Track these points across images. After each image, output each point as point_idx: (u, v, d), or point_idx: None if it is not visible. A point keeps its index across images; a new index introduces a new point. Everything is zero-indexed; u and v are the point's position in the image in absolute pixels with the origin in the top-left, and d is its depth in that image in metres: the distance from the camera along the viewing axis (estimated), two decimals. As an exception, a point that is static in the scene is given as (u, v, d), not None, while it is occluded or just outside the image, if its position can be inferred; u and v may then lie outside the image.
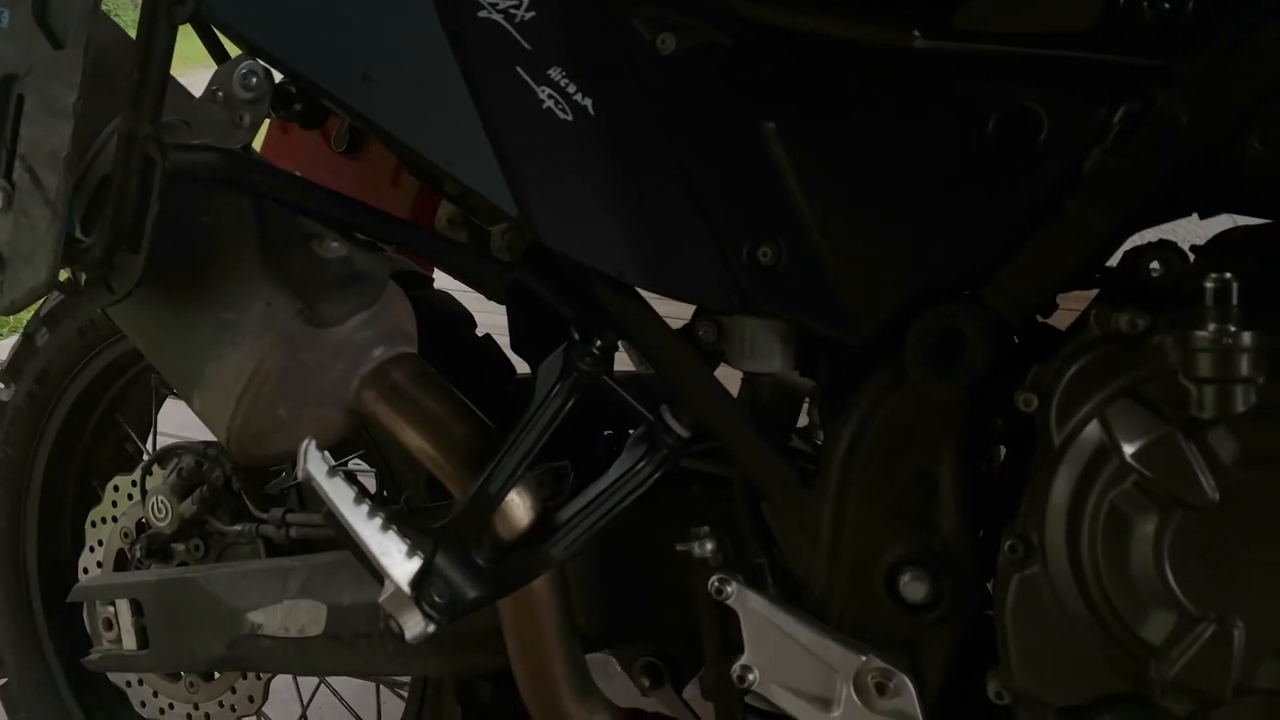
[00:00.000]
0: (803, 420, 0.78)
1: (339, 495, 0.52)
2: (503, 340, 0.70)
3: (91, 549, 0.94)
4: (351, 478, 0.53)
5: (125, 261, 0.56)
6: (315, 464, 0.52)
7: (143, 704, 0.92)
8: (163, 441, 0.94)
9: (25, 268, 0.58)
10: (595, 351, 0.58)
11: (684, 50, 0.60)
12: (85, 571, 0.94)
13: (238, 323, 0.57)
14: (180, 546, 0.84)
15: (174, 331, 0.60)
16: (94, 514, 0.93)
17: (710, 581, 0.58)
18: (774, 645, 0.56)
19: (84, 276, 0.59)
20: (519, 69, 0.60)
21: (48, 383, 0.97)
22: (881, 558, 0.55)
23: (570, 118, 0.60)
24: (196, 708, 0.90)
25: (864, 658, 0.54)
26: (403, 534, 0.54)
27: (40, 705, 1.03)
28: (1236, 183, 0.50)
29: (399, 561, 0.53)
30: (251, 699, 0.87)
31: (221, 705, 0.89)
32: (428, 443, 0.58)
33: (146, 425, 1.05)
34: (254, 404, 0.58)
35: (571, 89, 0.60)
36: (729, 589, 0.57)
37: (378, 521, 0.53)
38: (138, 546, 0.86)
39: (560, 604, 0.60)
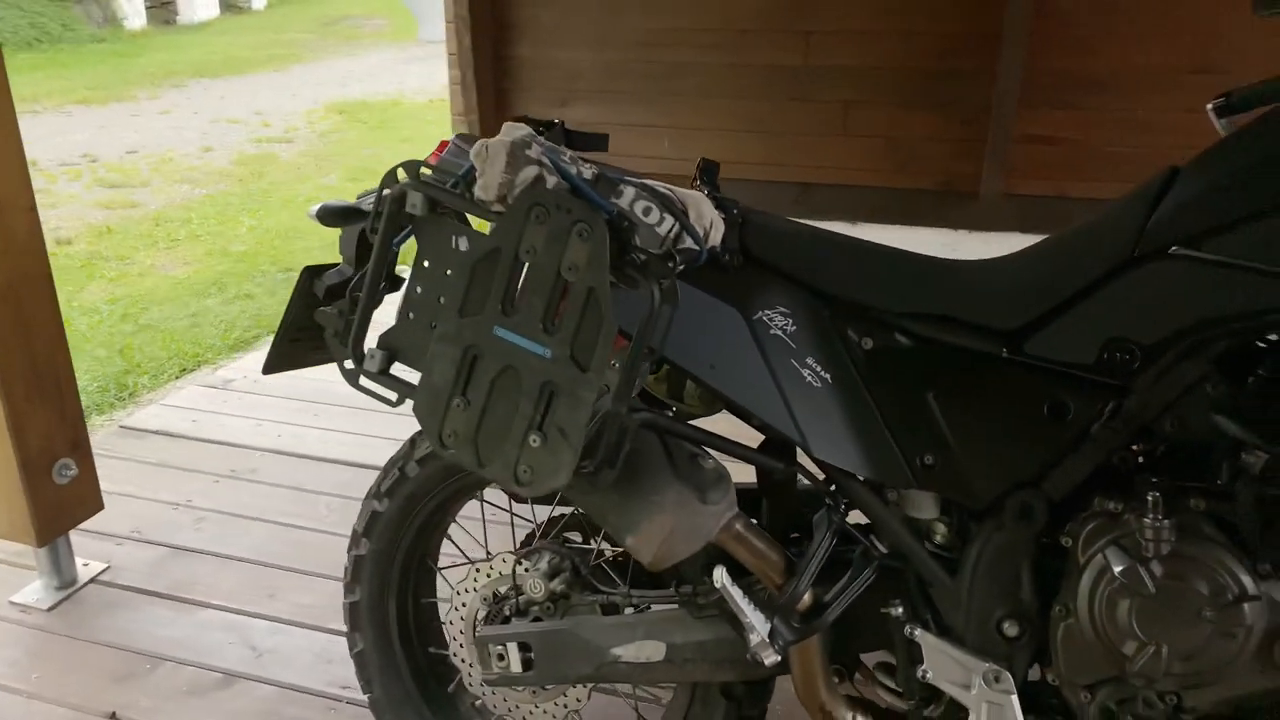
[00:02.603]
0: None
1: (737, 594, 1.07)
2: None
3: (456, 609, 1.46)
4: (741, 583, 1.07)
5: (605, 473, 1.09)
6: (725, 579, 1.07)
7: (494, 707, 1.45)
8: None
9: (549, 476, 1.10)
10: (843, 509, 1.13)
11: (878, 347, 1.15)
12: (450, 623, 1.47)
13: (660, 502, 1.11)
14: (537, 607, 1.37)
15: (618, 504, 1.13)
16: (460, 585, 1.46)
17: (904, 628, 1.13)
18: (939, 658, 1.12)
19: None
20: (791, 360, 1.15)
21: (414, 500, 1.49)
22: (992, 615, 1.11)
23: (820, 386, 1.15)
24: (536, 706, 1.43)
25: (987, 664, 1.09)
26: (762, 611, 1.08)
27: (402, 714, 1.55)
28: (1167, 441, 1.06)
29: (762, 625, 1.08)
30: (579, 699, 1.40)
31: (555, 704, 1.42)
32: (759, 564, 1.13)
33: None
34: (669, 545, 1.11)
35: (819, 369, 1.15)
36: (916, 632, 1.12)
37: (752, 606, 1.08)
38: (507, 606, 1.38)
39: (824, 643, 1.15)
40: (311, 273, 1.45)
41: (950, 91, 3.80)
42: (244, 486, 2.62)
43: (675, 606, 1.26)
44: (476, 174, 1.10)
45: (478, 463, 1.11)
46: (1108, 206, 1.16)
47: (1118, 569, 1.01)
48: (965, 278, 1.17)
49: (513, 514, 1.54)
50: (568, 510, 1.44)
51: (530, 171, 1.07)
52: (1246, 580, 0.98)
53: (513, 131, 1.13)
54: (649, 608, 1.33)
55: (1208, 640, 0.99)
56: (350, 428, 2.97)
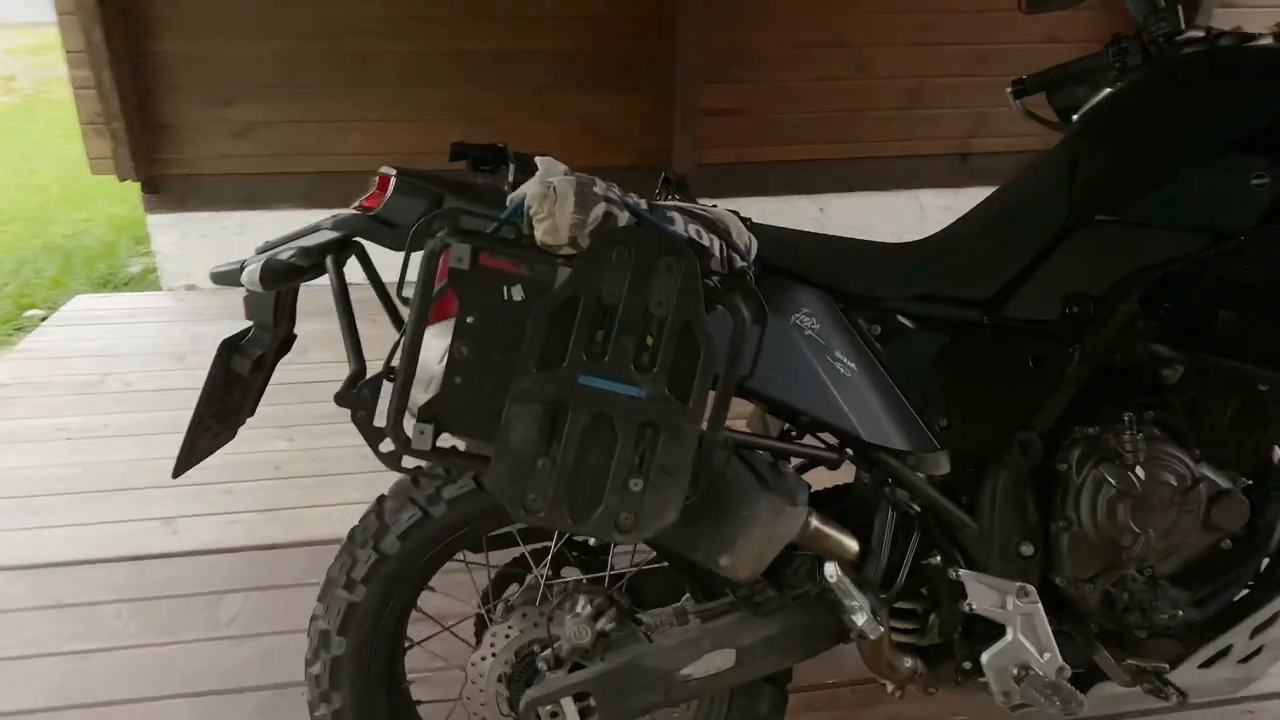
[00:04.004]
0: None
1: (846, 584, 1.14)
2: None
3: (473, 681, 1.34)
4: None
5: (708, 500, 1.09)
6: (838, 572, 1.13)
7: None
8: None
9: (655, 517, 1.07)
10: (894, 488, 1.25)
11: (885, 332, 1.28)
12: (468, 698, 1.34)
13: (754, 516, 1.14)
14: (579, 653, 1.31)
15: (710, 528, 1.13)
16: (474, 657, 1.34)
17: (948, 571, 1.29)
18: (978, 589, 1.29)
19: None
20: (826, 356, 1.23)
21: (396, 579, 1.33)
22: (1010, 541, 1.30)
23: (850, 376, 1.25)
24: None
25: (1017, 584, 1.29)
26: (861, 592, 1.17)
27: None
28: (1113, 371, 1.31)
29: (864, 606, 1.16)
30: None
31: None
32: (836, 549, 1.21)
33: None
34: (765, 555, 1.15)
35: (846, 360, 1.25)
36: (957, 573, 1.28)
37: (858, 590, 1.16)
38: (542, 661, 1.30)
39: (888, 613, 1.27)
40: (230, 347, 1.23)
41: (639, 73, 4.03)
42: (-15, 621, 2.07)
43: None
44: (535, 216, 1.02)
45: (571, 522, 1.06)
46: (1016, 185, 1.38)
47: (1113, 479, 1.25)
48: (933, 258, 1.32)
49: (489, 566, 1.44)
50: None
51: (600, 209, 1.02)
52: (1193, 466, 1.27)
53: (553, 167, 1.06)
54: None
55: (1177, 518, 1.27)
56: (88, 517, 2.46)
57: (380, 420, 1.07)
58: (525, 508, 1.05)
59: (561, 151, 4.13)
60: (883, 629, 1.19)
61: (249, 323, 1.26)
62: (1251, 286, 1.27)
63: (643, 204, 1.08)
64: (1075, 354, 1.27)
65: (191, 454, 1.27)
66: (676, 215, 1.11)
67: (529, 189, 1.02)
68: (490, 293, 1.04)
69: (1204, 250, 1.23)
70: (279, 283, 1.16)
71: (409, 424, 1.06)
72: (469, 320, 1.05)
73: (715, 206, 1.20)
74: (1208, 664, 1.33)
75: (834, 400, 1.21)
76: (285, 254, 1.18)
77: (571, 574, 1.43)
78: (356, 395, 1.08)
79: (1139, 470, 1.25)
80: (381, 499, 1.36)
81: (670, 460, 1.05)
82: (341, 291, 1.19)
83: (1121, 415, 1.26)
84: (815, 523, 1.22)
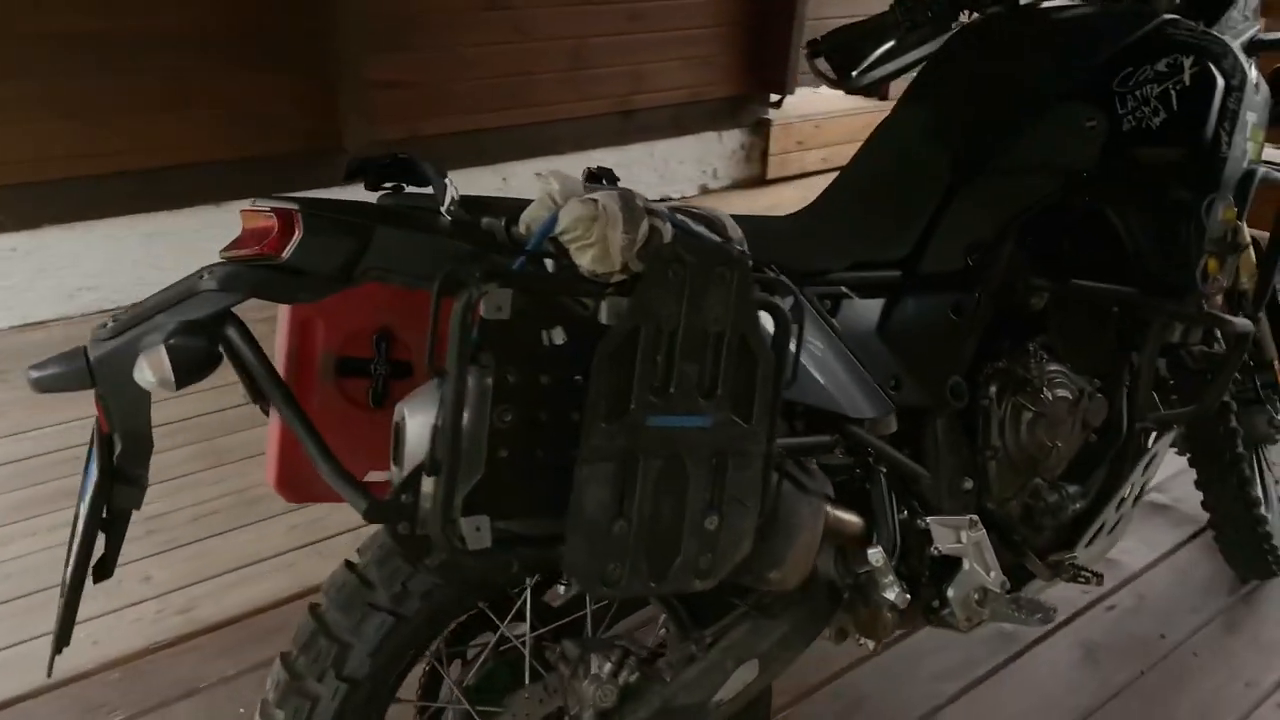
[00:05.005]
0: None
1: (887, 564, 1.13)
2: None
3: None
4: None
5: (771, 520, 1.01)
6: (880, 557, 1.11)
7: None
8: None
9: (731, 554, 0.97)
10: (873, 458, 1.26)
11: (834, 305, 1.28)
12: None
13: (799, 523, 1.08)
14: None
15: (762, 547, 1.05)
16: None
17: (915, 523, 1.34)
18: (940, 530, 1.36)
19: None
20: (803, 340, 1.20)
21: (370, 709, 1.07)
22: (955, 479, 1.39)
23: (821, 355, 1.23)
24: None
25: (967, 518, 1.38)
26: (895, 576, 1.17)
27: None
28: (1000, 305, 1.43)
29: (897, 584, 1.17)
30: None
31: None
32: (852, 534, 1.19)
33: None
34: (809, 558, 1.10)
35: (816, 341, 1.23)
36: (925, 522, 1.34)
37: (893, 577, 1.16)
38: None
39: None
40: (110, 478, 0.91)
41: (290, 48, 3.57)
42: None
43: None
44: (578, 243, 0.85)
45: (653, 584, 0.94)
46: (882, 147, 1.44)
47: (1030, 404, 1.38)
48: (852, 226, 1.34)
49: (445, 648, 1.22)
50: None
51: (645, 225, 0.88)
52: (1074, 378, 1.45)
53: (569, 182, 0.89)
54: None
55: (1072, 426, 1.44)
56: None
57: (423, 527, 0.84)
58: (606, 582, 0.90)
59: (209, 145, 3.57)
60: (909, 596, 1.21)
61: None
62: (1096, 216, 1.46)
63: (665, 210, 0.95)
64: (979, 297, 1.37)
65: (68, 631, 0.91)
66: (686, 219, 0.99)
67: (568, 211, 0.85)
68: (530, 342, 0.86)
69: (1061, 189, 1.38)
70: (195, 376, 0.85)
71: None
72: (510, 380, 0.85)
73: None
74: (1091, 542, 1.54)
75: (820, 384, 1.18)
76: (163, 335, 0.87)
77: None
78: (395, 504, 0.83)
79: (1046, 391, 1.39)
80: (317, 610, 1.08)
81: (742, 488, 0.96)
82: (270, 375, 0.91)
83: (1024, 346, 1.39)
84: (833, 512, 1.19)
